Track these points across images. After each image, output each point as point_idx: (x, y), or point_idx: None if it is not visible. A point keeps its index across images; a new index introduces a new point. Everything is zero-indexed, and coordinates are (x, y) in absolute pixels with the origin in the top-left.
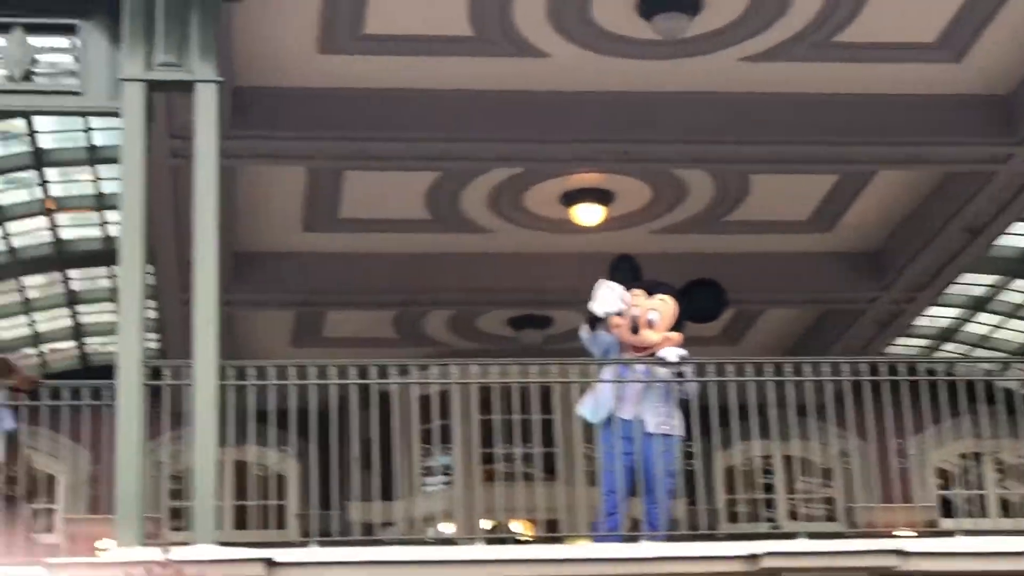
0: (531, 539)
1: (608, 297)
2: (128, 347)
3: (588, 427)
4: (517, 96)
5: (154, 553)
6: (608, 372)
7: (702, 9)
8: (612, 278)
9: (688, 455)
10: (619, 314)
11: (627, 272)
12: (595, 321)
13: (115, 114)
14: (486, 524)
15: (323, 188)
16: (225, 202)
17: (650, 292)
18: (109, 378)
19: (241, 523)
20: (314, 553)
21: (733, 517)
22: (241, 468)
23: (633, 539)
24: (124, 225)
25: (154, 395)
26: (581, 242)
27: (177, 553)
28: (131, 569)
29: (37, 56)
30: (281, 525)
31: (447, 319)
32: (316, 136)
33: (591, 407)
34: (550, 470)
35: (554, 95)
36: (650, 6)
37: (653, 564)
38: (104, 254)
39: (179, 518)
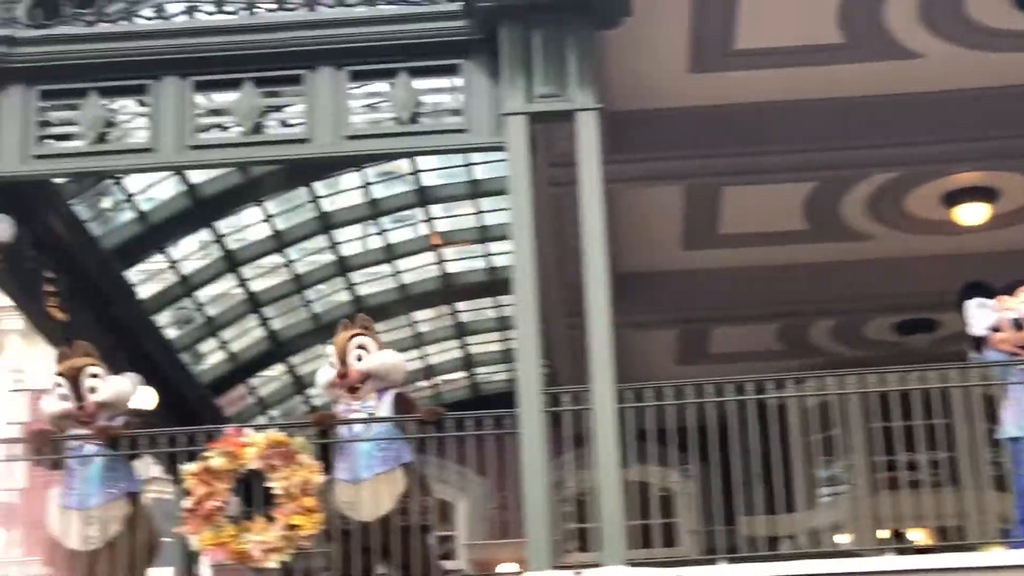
0: (936, 547)
1: (981, 315)
2: (528, 375)
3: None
4: (891, 100)
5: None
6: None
7: None
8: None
9: None
10: (996, 329)
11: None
12: (978, 342)
13: (500, 148)
14: (883, 534)
15: (701, 205)
16: (607, 225)
17: (1010, 292)
18: (500, 405)
19: (643, 543)
20: (722, 571)
21: None
22: (641, 488)
23: None
24: (516, 254)
25: (552, 420)
26: (965, 242)
27: (588, 574)
28: None
29: (422, 98)
30: (669, 543)
31: (831, 328)
32: (692, 155)
33: (1015, 421)
34: (950, 477)
35: (929, 95)
36: None
37: None
38: (489, 285)
39: (577, 540)
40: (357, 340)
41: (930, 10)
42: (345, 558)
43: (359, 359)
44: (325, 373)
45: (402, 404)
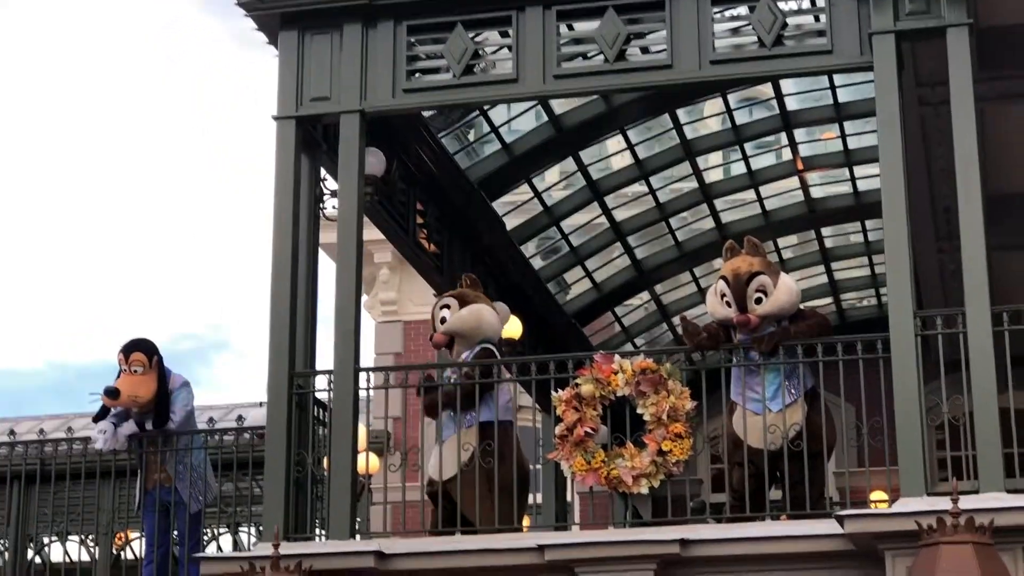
0: None
1: None
2: (899, 299)
3: None
4: None
5: (942, 502)
6: None
7: None
8: None
9: None
10: None
11: None
12: None
13: (867, 68)
14: None
15: None
16: (980, 146)
17: None
18: (867, 330)
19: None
20: None
21: None
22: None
23: None
24: (885, 176)
25: (923, 344)
26: None
27: (966, 502)
28: (922, 519)
29: (786, 20)
30: None
31: None
32: None
33: None
34: None
35: None
36: None
37: None
38: (855, 209)
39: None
40: (757, 281)
41: None
42: (739, 483)
43: (758, 302)
44: (719, 305)
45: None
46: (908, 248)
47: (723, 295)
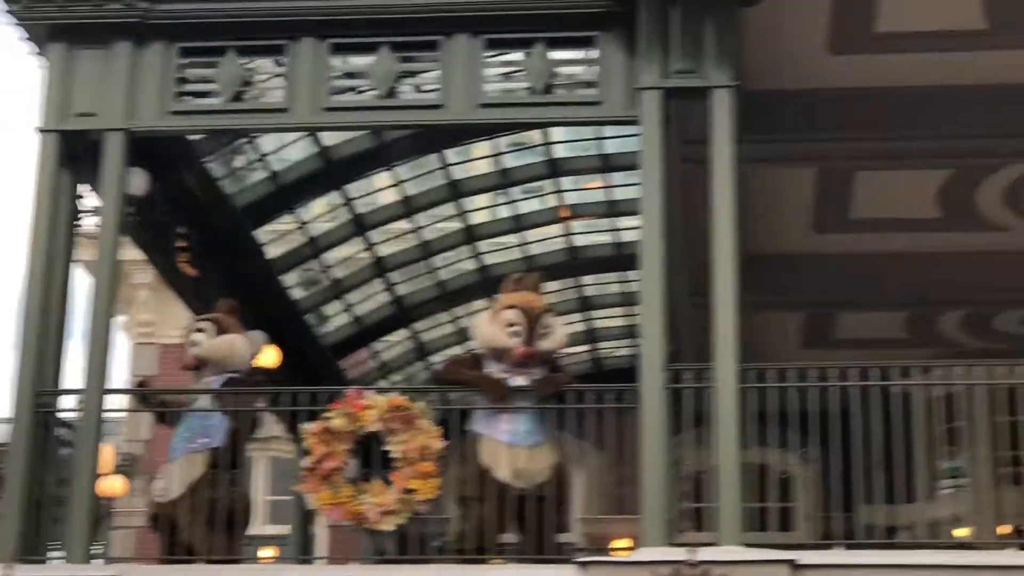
0: None
1: None
2: (651, 351)
3: None
4: None
5: (680, 553)
6: None
7: None
8: None
9: None
10: None
11: None
12: None
13: (633, 122)
14: (1005, 529)
15: (834, 189)
16: (737, 205)
17: None
18: (621, 380)
19: (759, 526)
20: (838, 556)
21: None
22: (759, 470)
23: None
24: (644, 230)
25: (673, 397)
26: None
27: (703, 554)
28: (659, 569)
29: (556, 69)
30: (786, 527)
31: (960, 319)
32: (828, 137)
33: None
34: None
35: None
36: None
37: None
38: (616, 260)
39: (692, 519)
40: (546, 318)
41: None
42: (479, 521)
43: (540, 337)
44: (501, 333)
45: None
46: (661, 301)
47: (511, 324)
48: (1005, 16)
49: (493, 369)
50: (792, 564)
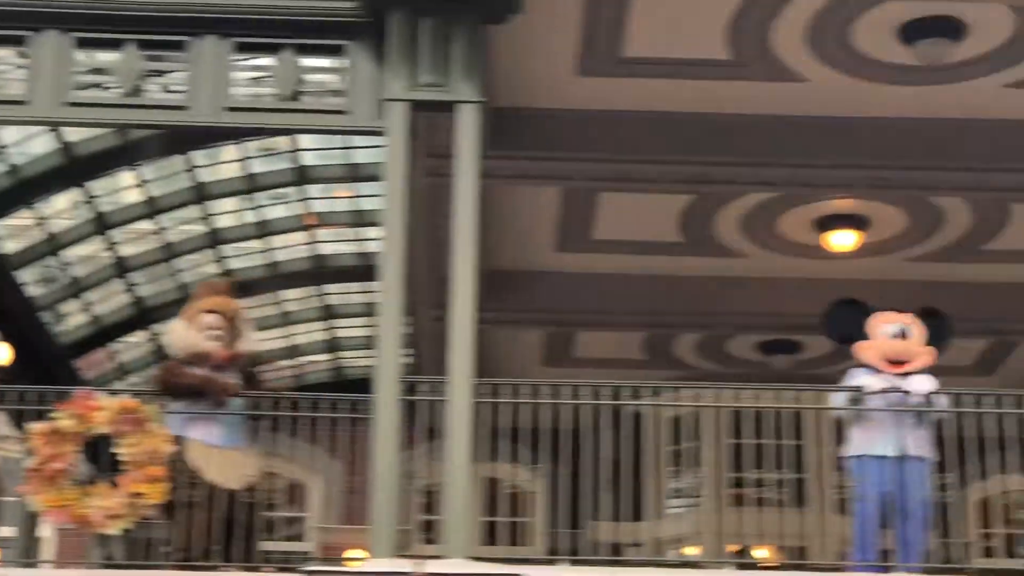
0: (776, 565)
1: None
2: (386, 362)
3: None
4: (774, 120)
5: (407, 565)
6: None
7: (966, 35)
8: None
9: (942, 487)
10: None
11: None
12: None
13: (379, 133)
14: (731, 548)
15: (577, 209)
16: (481, 221)
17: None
18: (361, 391)
19: (490, 539)
20: (562, 571)
21: (987, 552)
22: (492, 484)
23: (886, 569)
24: (386, 241)
25: (409, 409)
26: (834, 268)
27: (429, 566)
28: None
29: (305, 76)
30: (526, 543)
31: (696, 342)
32: (573, 157)
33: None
34: (798, 497)
35: (811, 120)
36: (913, 31)
37: None
38: (360, 270)
39: (427, 531)
40: (239, 322)
41: (817, 36)
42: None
43: (236, 341)
44: (195, 339)
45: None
46: (398, 313)
47: (211, 328)
48: (747, 48)
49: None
50: None
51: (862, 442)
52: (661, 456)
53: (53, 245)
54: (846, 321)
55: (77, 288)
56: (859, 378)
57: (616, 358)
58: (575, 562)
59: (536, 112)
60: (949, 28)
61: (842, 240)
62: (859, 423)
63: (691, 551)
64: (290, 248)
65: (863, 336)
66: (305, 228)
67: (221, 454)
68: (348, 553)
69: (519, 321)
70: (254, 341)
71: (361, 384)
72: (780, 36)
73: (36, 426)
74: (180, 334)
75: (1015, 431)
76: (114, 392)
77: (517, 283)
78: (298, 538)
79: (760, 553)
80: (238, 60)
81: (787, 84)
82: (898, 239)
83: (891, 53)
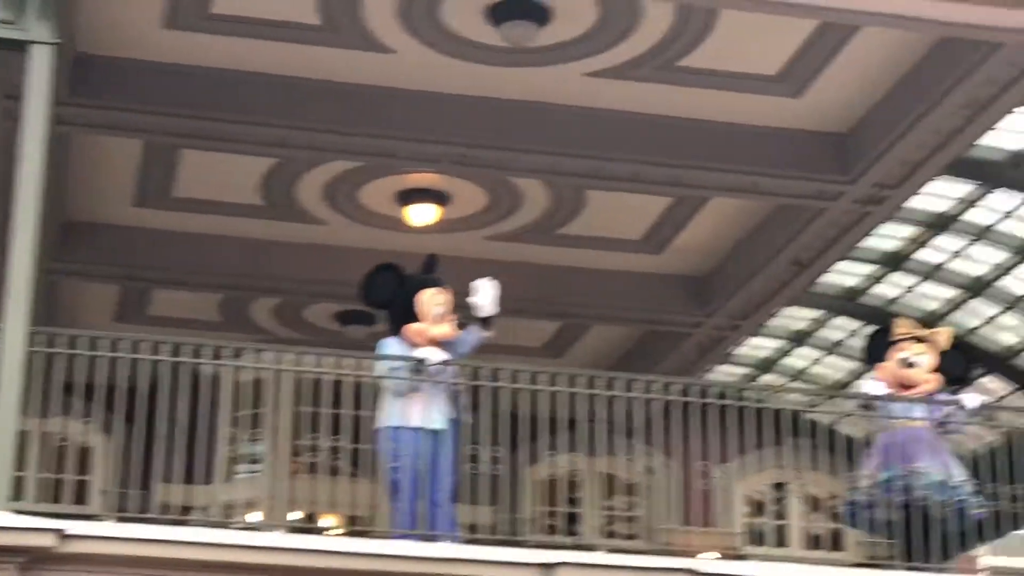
0: (338, 532)
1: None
2: None
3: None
4: (360, 89)
5: None
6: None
7: (551, 21)
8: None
9: (494, 460)
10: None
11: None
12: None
13: None
14: (296, 515)
15: (158, 164)
16: (56, 169)
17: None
18: None
19: (54, 497)
20: (108, 528)
21: (541, 528)
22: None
23: (432, 539)
24: None
25: None
26: (413, 242)
27: None
28: None
29: None
30: (81, 500)
31: (274, 307)
32: (155, 111)
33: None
34: (358, 466)
35: (397, 92)
36: (500, 13)
37: (448, 565)
38: None
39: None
40: None
41: (408, 8)
42: None
43: None
44: None
45: None
46: None
47: None
48: (337, 15)
49: None
50: (60, 533)
51: (399, 414)
52: (238, 421)
53: None
54: (382, 288)
55: None
56: (391, 348)
57: (192, 318)
58: (122, 519)
59: (121, 62)
60: (536, 13)
61: (422, 214)
62: (396, 395)
63: (255, 516)
64: None
65: (399, 303)
66: None
67: None
68: None
69: (93, 275)
70: None
71: None
72: (371, 5)
73: None
74: None
75: (584, 413)
76: None
77: (93, 236)
78: None
79: (329, 521)
80: None
81: (375, 54)
82: (478, 216)
83: (478, 32)
